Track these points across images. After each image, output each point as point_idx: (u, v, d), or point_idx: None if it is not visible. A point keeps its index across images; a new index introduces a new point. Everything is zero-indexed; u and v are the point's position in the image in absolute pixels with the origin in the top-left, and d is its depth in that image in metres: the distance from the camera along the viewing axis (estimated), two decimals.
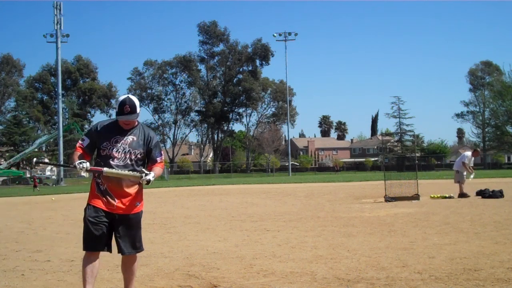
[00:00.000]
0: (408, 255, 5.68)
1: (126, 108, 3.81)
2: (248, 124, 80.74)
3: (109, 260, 5.98)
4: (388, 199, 13.30)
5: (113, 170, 3.73)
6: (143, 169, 3.83)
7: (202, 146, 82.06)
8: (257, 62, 77.24)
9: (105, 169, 3.72)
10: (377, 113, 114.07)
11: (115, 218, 3.81)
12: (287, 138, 72.63)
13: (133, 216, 3.87)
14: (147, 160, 3.98)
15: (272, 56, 76.16)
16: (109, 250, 3.86)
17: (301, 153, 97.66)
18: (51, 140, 60.13)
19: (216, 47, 77.29)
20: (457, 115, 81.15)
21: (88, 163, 3.69)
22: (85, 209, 3.84)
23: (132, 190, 3.86)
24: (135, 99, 3.94)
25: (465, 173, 14.03)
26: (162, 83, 78.75)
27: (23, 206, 16.54)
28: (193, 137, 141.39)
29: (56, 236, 8.52)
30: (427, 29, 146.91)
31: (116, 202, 3.78)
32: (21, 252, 6.87)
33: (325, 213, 10.90)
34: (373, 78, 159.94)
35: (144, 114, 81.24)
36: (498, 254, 5.55)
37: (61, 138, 48.14)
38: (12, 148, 62.91)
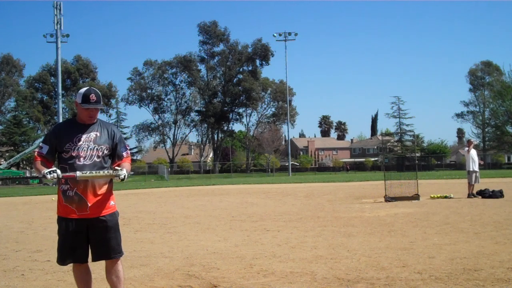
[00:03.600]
0: (408, 255, 5.68)
1: (92, 97, 3.61)
2: (248, 124, 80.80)
3: None
4: (388, 199, 13.30)
5: (87, 173, 3.50)
6: (117, 168, 3.68)
7: (202, 146, 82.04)
8: (257, 62, 77.20)
9: (78, 173, 3.47)
10: (377, 113, 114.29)
11: (91, 224, 3.60)
12: (287, 138, 72.61)
13: (110, 218, 3.66)
14: (113, 157, 3.80)
15: (272, 56, 76.14)
16: (85, 260, 3.67)
17: (301, 153, 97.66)
18: None
19: (216, 47, 77.30)
20: (457, 115, 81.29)
21: (59, 171, 3.46)
22: (57, 222, 3.67)
23: (104, 189, 3.65)
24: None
25: (471, 169, 13.88)
26: (162, 83, 78.73)
27: (23, 206, 16.53)
28: (193, 137, 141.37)
29: (56, 236, 8.51)
30: (427, 29, 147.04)
31: (89, 205, 3.56)
32: (21, 252, 6.87)
33: (325, 213, 10.90)
34: (373, 78, 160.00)
35: (144, 114, 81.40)
36: (498, 254, 5.55)
37: None
38: (12, 148, 62.90)
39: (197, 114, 78.86)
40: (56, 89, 59.82)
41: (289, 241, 7.07)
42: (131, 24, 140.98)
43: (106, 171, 3.62)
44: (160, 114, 78.73)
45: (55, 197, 19.67)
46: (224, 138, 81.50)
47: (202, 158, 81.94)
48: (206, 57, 77.55)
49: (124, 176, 3.56)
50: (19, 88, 74.44)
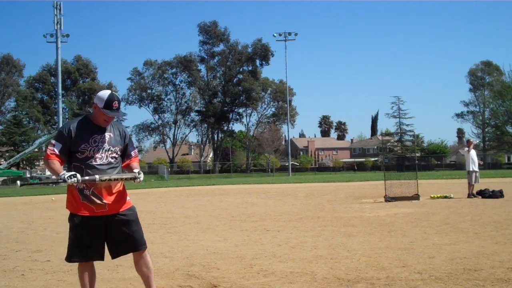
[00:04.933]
0: (408, 255, 5.68)
1: (115, 104, 3.60)
2: (248, 124, 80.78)
3: (109, 260, 5.97)
4: (388, 199, 13.30)
5: (106, 178, 3.52)
6: (134, 170, 3.73)
7: (202, 146, 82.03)
8: (257, 62, 77.17)
9: (97, 177, 3.49)
10: (377, 113, 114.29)
11: (110, 220, 3.63)
12: (287, 138, 72.61)
13: (130, 212, 3.72)
14: (123, 157, 3.83)
15: (272, 56, 76.11)
16: (102, 258, 3.70)
17: (301, 153, 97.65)
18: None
19: (216, 47, 77.28)
20: (457, 115, 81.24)
21: (79, 175, 3.44)
22: (69, 220, 3.66)
23: (119, 185, 3.71)
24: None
25: (471, 169, 13.88)
26: (162, 83, 78.71)
27: (23, 206, 16.53)
28: (193, 137, 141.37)
29: (56, 236, 8.52)
30: (427, 29, 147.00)
31: (107, 203, 3.60)
32: (21, 252, 6.87)
33: (325, 213, 10.90)
34: (373, 78, 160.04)
35: (144, 114, 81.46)
36: (498, 254, 5.55)
37: None
38: (12, 148, 62.87)
39: (197, 114, 78.86)
40: (56, 89, 59.84)
41: (289, 241, 7.07)
42: (131, 24, 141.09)
43: (124, 175, 3.66)
44: (160, 114, 78.77)
45: (55, 197, 19.56)
46: (224, 138, 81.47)
47: (202, 158, 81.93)
48: (206, 57, 77.55)
49: (141, 179, 3.65)
50: (19, 88, 74.44)
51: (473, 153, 14.26)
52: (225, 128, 79.31)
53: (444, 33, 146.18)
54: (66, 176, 3.40)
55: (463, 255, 5.55)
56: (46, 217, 12.21)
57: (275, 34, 60.77)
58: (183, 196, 19.56)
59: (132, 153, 3.87)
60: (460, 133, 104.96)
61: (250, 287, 4.54)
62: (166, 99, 79.32)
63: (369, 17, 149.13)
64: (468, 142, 14.76)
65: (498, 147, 68.87)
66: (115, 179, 3.58)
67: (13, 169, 56.67)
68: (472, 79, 79.03)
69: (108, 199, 3.61)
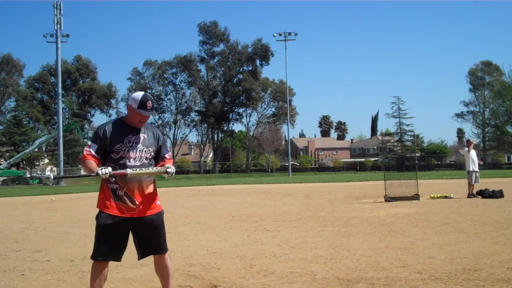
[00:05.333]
0: (408, 255, 5.68)
1: (149, 104, 3.70)
2: (248, 124, 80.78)
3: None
4: (388, 199, 13.30)
5: (138, 171, 3.61)
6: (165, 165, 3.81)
7: (202, 146, 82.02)
8: (257, 62, 77.16)
9: (129, 170, 3.58)
10: (377, 113, 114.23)
11: (138, 222, 3.70)
12: (287, 138, 72.62)
13: (157, 216, 3.83)
14: (157, 159, 3.93)
15: (272, 56, 76.09)
16: (120, 259, 3.75)
17: (301, 153, 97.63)
18: (51, 140, 60.16)
19: (216, 47, 77.27)
20: (457, 115, 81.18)
21: (110, 168, 3.55)
22: (97, 217, 3.69)
23: (151, 189, 3.80)
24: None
25: (471, 169, 13.87)
26: (162, 83, 78.74)
27: (23, 206, 16.53)
28: (193, 137, 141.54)
29: (56, 236, 8.52)
30: (427, 29, 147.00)
31: (138, 205, 3.67)
32: (21, 252, 6.87)
33: (325, 213, 10.90)
34: (373, 78, 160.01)
35: None
36: (498, 254, 5.55)
37: (61, 138, 48.16)
38: (12, 148, 62.88)
39: (197, 114, 78.87)
40: (56, 89, 59.82)
41: (289, 241, 7.07)
42: (131, 24, 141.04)
43: (155, 168, 3.75)
44: (160, 114, 78.74)
45: (55, 197, 19.56)
46: (224, 138, 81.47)
47: (202, 158, 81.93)
48: (206, 57, 77.55)
49: (172, 172, 3.71)
50: (19, 88, 74.42)
51: (473, 153, 14.26)
52: (225, 128, 79.31)
53: (444, 33, 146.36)
54: (99, 170, 3.52)
55: (463, 255, 5.55)
56: (46, 217, 12.22)
57: (275, 34, 60.81)
58: (183, 196, 19.56)
59: (166, 155, 3.96)
60: (460, 133, 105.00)
61: (250, 287, 4.54)
62: (166, 99, 79.39)
63: (369, 17, 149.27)
64: (468, 142, 14.77)
65: (498, 147, 68.84)
66: (145, 173, 3.66)
67: (13, 169, 56.69)
68: (472, 79, 79.01)
69: (140, 201, 3.69)
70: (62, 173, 46.12)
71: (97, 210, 3.72)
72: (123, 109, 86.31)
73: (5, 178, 47.70)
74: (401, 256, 5.63)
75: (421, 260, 5.40)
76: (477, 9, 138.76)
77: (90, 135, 79.89)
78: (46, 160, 72.79)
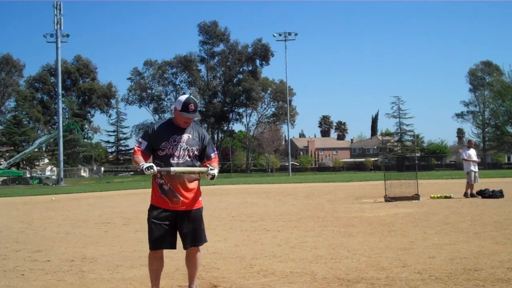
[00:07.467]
0: (408, 255, 5.68)
1: (191, 106, 3.94)
2: (248, 124, 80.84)
3: (109, 260, 5.98)
4: (388, 199, 13.29)
5: (181, 168, 3.87)
6: (208, 165, 4.03)
7: None
8: (257, 62, 77.24)
9: (172, 168, 3.84)
10: (377, 113, 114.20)
11: (180, 215, 3.98)
12: (287, 138, 72.61)
13: (197, 212, 4.06)
14: (202, 157, 4.15)
15: (272, 56, 76.21)
16: (173, 247, 4.05)
17: (301, 153, 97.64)
18: (51, 140, 60.20)
19: (216, 47, 77.35)
20: (457, 115, 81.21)
21: (155, 167, 3.82)
22: (148, 210, 4.03)
23: (194, 185, 4.03)
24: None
25: (471, 169, 13.87)
26: (162, 83, 78.78)
27: (23, 206, 16.53)
28: None
29: (56, 236, 8.52)
30: (427, 29, 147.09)
31: (181, 199, 3.94)
32: (21, 252, 6.87)
33: (325, 213, 10.90)
34: (373, 78, 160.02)
35: (144, 114, 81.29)
36: (498, 254, 5.55)
37: (61, 138, 48.17)
38: (12, 148, 62.94)
39: None
40: (56, 89, 59.81)
41: (289, 241, 7.07)
42: (131, 24, 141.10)
43: (197, 169, 4.01)
44: (160, 114, 78.78)
45: (55, 197, 19.55)
46: (224, 138, 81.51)
47: None
48: (206, 57, 77.62)
49: (215, 174, 3.97)
50: (19, 88, 74.47)
51: (472, 153, 14.26)
52: (225, 128, 79.37)
53: (444, 33, 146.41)
54: (144, 167, 3.80)
55: (463, 255, 5.55)
56: (46, 217, 12.22)
57: (275, 34, 60.79)
58: None
59: (212, 155, 4.19)
60: (460, 133, 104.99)
61: (250, 287, 4.54)
62: (166, 99, 79.48)
63: (369, 17, 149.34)
64: (469, 142, 14.77)
65: (498, 147, 68.83)
66: (188, 172, 3.91)
67: (13, 169, 56.71)
68: (472, 79, 79.01)
69: (183, 196, 3.96)
70: (62, 174, 46.06)
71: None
72: (123, 109, 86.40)
73: (5, 178, 47.73)
74: (401, 256, 5.63)
75: (421, 260, 5.40)
76: (477, 9, 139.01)
77: (90, 135, 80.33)
78: (46, 160, 72.90)
